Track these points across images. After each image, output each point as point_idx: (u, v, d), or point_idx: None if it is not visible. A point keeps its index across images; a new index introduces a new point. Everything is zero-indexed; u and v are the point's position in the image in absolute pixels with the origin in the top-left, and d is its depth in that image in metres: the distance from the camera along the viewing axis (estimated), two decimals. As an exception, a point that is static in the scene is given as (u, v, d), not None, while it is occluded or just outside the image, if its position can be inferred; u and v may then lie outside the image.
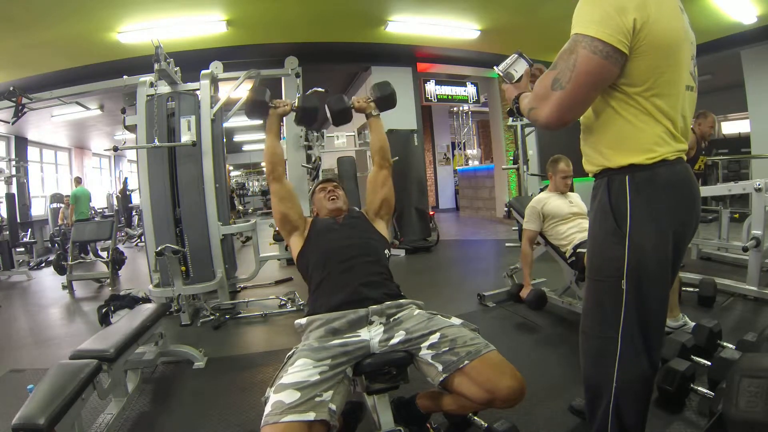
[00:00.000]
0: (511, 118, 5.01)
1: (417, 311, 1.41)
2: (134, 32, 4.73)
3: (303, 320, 1.40)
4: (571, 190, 2.71)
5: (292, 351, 1.27)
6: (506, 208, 6.99)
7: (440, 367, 1.20)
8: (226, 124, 4.07)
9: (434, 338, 1.27)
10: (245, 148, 15.53)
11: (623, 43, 0.92)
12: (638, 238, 1.01)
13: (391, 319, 1.37)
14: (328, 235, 1.56)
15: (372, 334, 1.32)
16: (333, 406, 1.10)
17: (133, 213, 9.63)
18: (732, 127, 9.28)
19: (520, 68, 1.25)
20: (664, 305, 1.10)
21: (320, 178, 1.55)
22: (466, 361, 1.18)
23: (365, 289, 1.39)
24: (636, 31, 0.92)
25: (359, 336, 1.31)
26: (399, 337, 1.30)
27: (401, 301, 1.43)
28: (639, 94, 0.98)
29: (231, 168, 16.41)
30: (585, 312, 1.16)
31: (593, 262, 1.12)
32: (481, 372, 1.16)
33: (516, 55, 1.26)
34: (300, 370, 1.16)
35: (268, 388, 1.16)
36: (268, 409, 1.07)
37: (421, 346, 1.27)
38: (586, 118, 1.10)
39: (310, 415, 1.04)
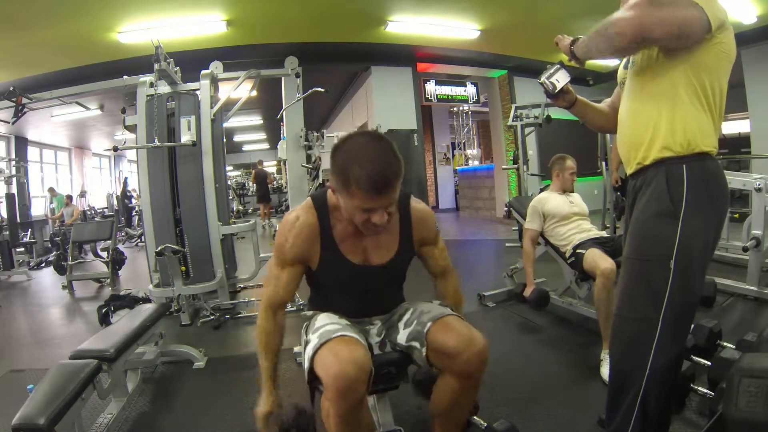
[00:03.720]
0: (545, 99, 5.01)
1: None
2: (134, 32, 4.73)
3: (309, 313, 1.39)
4: (572, 190, 2.71)
5: (307, 322, 1.31)
6: (506, 208, 6.99)
7: (418, 344, 1.20)
8: (226, 124, 4.07)
9: (407, 315, 1.29)
10: (245, 148, 15.53)
11: (713, 25, 1.00)
12: (691, 220, 1.06)
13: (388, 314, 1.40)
14: (346, 273, 1.24)
15: (372, 327, 1.35)
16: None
17: (133, 213, 9.63)
18: (732, 127, 9.28)
19: (561, 79, 1.27)
20: (701, 292, 1.14)
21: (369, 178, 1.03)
22: (429, 324, 1.17)
23: (372, 311, 1.37)
24: (718, 28, 1.02)
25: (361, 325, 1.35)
26: (389, 323, 1.35)
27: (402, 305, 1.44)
28: (709, 87, 1.06)
29: (231, 168, 16.41)
30: (623, 294, 1.17)
31: (639, 242, 1.13)
32: (438, 335, 1.15)
33: (558, 65, 1.28)
34: (328, 319, 1.20)
35: (303, 336, 1.24)
36: (314, 340, 1.10)
37: (398, 325, 1.28)
38: (653, 107, 1.12)
39: (361, 339, 1.10)
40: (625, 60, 1.26)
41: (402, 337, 1.24)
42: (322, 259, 1.21)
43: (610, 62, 6.89)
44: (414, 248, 1.30)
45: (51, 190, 8.05)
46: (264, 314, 1.23)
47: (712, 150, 1.10)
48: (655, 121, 1.10)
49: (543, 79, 1.29)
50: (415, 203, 1.30)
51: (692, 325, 1.93)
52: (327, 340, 1.06)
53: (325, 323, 1.16)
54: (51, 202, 7.88)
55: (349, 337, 1.07)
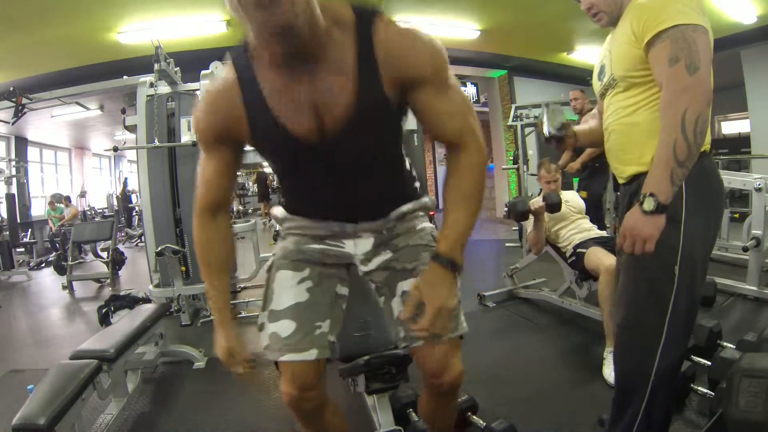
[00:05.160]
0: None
1: (421, 225, 1.08)
2: (134, 32, 4.73)
3: (279, 212, 1.10)
4: (571, 188, 2.72)
5: (270, 261, 1.07)
6: (506, 208, 6.99)
7: (402, 333, 1.00)
8: (226, 124, 4.06)
9: (408, 286, 0.97)
10: (245, 148, 15.51)
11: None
12: (692, 224, 1.03)
13: (384, 231, 1.05)
14: (289, 150, 0.88)
15: (358, 249, 1.05)
16: (332, 338, 0.99)
17: (133, 213, 9.64)
18: (732, 127, 9.28)
19: (560, 117, 1.25)
20: (702, 293, 1.13)
21: None
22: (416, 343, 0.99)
23: (357, 212, 1.01)
24: None
25: (343, 248, 1.05)
26: (385, 255, 1.04)
27: (405, 208, 1.05)
28: None
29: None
30: (626, 305, 1.14)
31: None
32: (417, 351, 1.00)
33: (551, 107, 1.27)
34: (286, 287, 0.99)
35: (260, 312, 1.03)
36: (265, 340, 0.98)
37: (396, 288, 1.01)
38: (638, 116, 1.08)
39: (312, 354, 0.94)
40: (597, 71, 1.21)
41: (395, 303, 1.02)
42: (252, 127, 0.84)
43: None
44: (389, 92, 0.81)
45: (51, 203, 8.06)
46: (197, 222, 0.97)
47: (707, 147, 1.06)
48: (652, 130, 1.03)
49: (552, 131, 1.25)
50: (387, 27, 0.80)
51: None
52: (273, 359, 0.98)
53: (283, 308, 0.97)
54: (54, 210, 7.90)
55: (297, 363, 0.95)
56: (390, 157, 1.00)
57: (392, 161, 1.01)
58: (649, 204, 0.95)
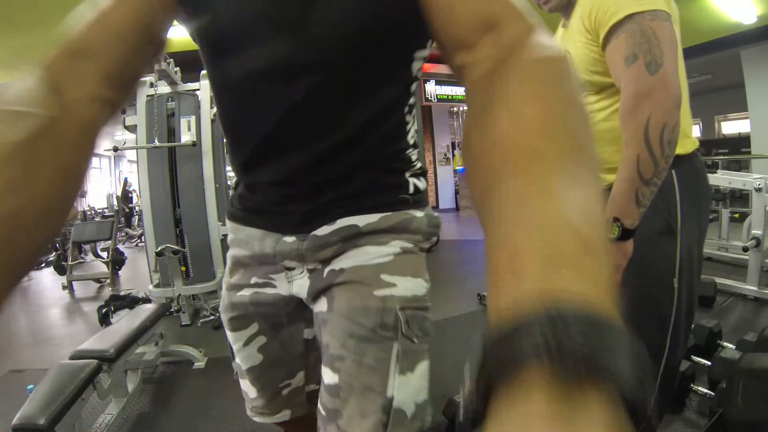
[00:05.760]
0: None
1: (377, 260, 0.61)
2: (134, 32, 4.74)
3: (227, 222, 0.79)
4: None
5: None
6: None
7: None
8: (226, 124, 4.07)
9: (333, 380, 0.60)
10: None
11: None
12: (687, 231, 1.00)
13: (321, 265, 0.65)
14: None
15: (293, 287, 0.68)
16: (313, 386, 0.78)
17: (134, 213, 9.64)
18: (732, 127, 9.29)
19: None
20: (699, 291, 1.12)
21: None
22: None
23: (297, 182, 0.62)
24: None
25: (274, 288, 0.70)
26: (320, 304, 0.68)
27: (364, 222, 0.62)
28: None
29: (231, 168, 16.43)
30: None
31: (637, 267, 1.00)
32: None
33: None
34: (237, 348, 0.77)
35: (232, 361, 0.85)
36: (243, 393, 0.82)
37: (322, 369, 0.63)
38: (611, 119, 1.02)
39: (285, 415, 0.79)
40: None
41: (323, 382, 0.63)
42: None
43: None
44: None
45: None
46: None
47: (695, 145, 1.04)
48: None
49: None
50: None
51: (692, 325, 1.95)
52: (250, 417, 0.82)
53: (245, 369, 0.76)
54: None
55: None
56: (377, 82, 0.58)
57: (381, 96, 0.59)
58: (613, 231, 0.88)
